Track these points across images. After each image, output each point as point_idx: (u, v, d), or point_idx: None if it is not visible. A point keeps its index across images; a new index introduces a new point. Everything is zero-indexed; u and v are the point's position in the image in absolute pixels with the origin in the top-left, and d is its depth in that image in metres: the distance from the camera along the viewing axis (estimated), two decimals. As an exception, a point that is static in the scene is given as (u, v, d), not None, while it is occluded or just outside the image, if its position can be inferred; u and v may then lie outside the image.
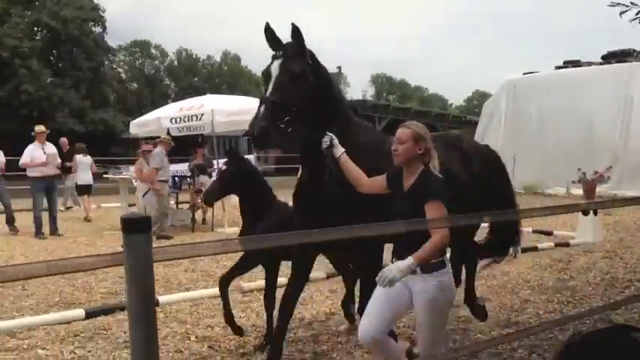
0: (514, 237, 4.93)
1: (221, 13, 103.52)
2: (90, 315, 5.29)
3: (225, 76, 56.42)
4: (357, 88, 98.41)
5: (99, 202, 13.55)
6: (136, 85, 50.20)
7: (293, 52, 3.46)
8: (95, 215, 12.70)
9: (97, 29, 33.02)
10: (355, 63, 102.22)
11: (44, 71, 28.64)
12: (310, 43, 3.50)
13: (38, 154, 10.37)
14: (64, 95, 28.38)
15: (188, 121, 13.12)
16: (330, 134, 3.43)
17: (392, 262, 3.10)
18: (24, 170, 10.69)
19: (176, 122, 13.13)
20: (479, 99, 67.58)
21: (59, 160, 10.94)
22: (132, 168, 12.88)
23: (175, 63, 56.46)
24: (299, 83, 3.40)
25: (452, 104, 78.93)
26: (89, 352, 4.47)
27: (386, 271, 2.86)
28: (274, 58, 3.49)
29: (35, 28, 30.40)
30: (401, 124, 3.24)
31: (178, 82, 54.75)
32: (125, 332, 4.84)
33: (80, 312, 5.33)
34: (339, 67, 33.89)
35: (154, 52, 55.79)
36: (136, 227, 1.97)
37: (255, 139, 3.29)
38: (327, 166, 3.49)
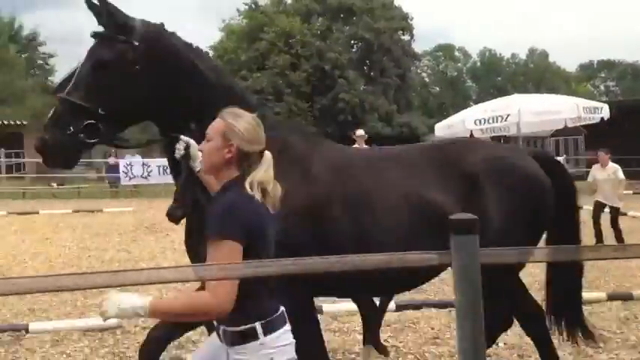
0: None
1: (523, 11, 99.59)
2: (400, 307, 5.58)
3: (531, 73, 54.09)
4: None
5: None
6: (437, 89, 51.64)
7: (107, 32, 2.56)
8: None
9: (405, 37, 34.95)
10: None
11: (358, 80, 31.52)
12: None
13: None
14: (374, 101, 30.82)
15: (493, 122, 12.98)
16: (185, 139, 2.42)
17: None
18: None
19: (480, 124, 13.11)
20: None
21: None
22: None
23: (478, 64, 56.36)
24: (113, 74, 2.51)
25: None
26: (401, 342, 4.72)
27: (107, 302, 1.87)
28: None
29: (352, 41, 33.67)
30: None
31: (480, 83, 54.53)
32: (432, 328, 4.98)
33: (391, 304, 5.66)
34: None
35: (457, 54, 56.58)
36: (466, 228, 2.00)
37: (40, 154, 2.51)
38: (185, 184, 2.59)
